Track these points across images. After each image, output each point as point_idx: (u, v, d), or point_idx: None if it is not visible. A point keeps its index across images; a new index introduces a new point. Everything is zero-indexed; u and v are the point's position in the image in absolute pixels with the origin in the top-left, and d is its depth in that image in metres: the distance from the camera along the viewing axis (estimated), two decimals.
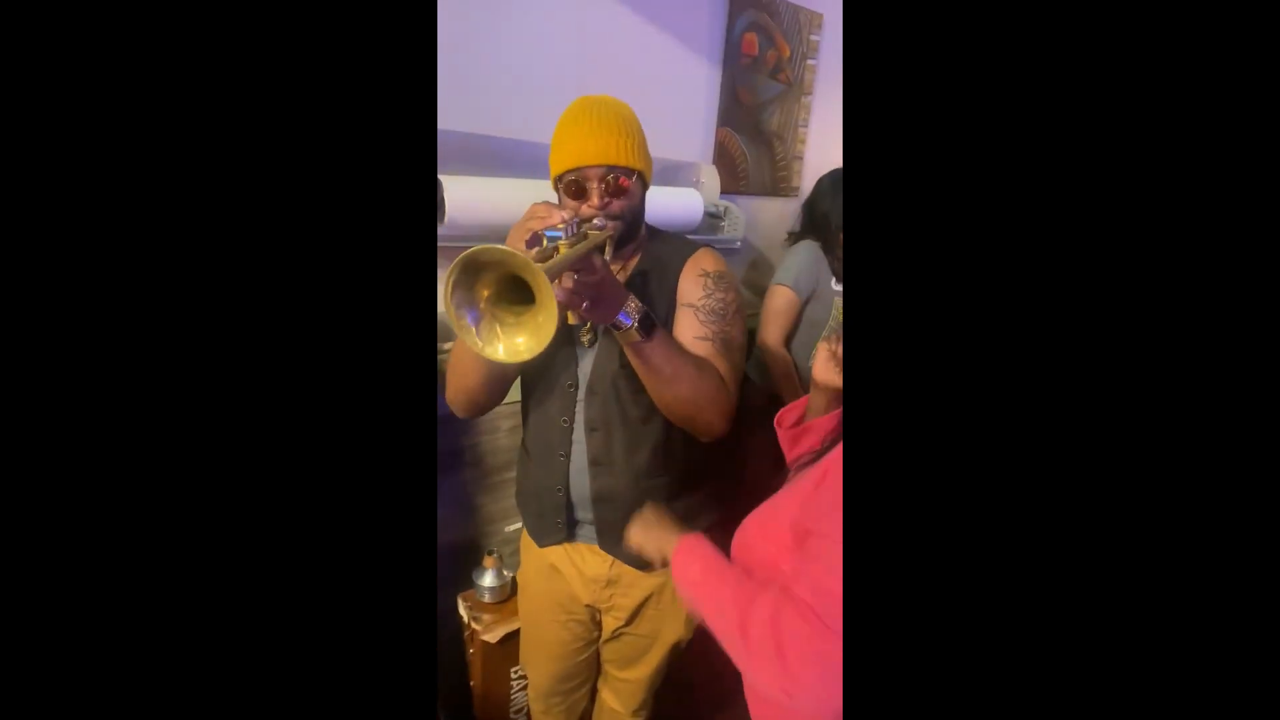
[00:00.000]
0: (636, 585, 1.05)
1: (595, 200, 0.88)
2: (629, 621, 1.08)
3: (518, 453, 1.15)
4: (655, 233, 1.02)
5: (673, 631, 1.09)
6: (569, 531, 1.04)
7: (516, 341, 0.63)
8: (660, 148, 1.55)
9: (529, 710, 1.29)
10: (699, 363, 0.87)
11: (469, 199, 1.21)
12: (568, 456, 0.99)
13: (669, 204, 1.60)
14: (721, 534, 0.81)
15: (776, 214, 2.00)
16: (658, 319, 0.84)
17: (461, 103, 1.30)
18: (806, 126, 2.00)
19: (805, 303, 1.66)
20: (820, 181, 1.72)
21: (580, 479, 1.00)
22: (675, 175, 1.75)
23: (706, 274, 0.94)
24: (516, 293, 0.63)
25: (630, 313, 0.79)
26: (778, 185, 1.99)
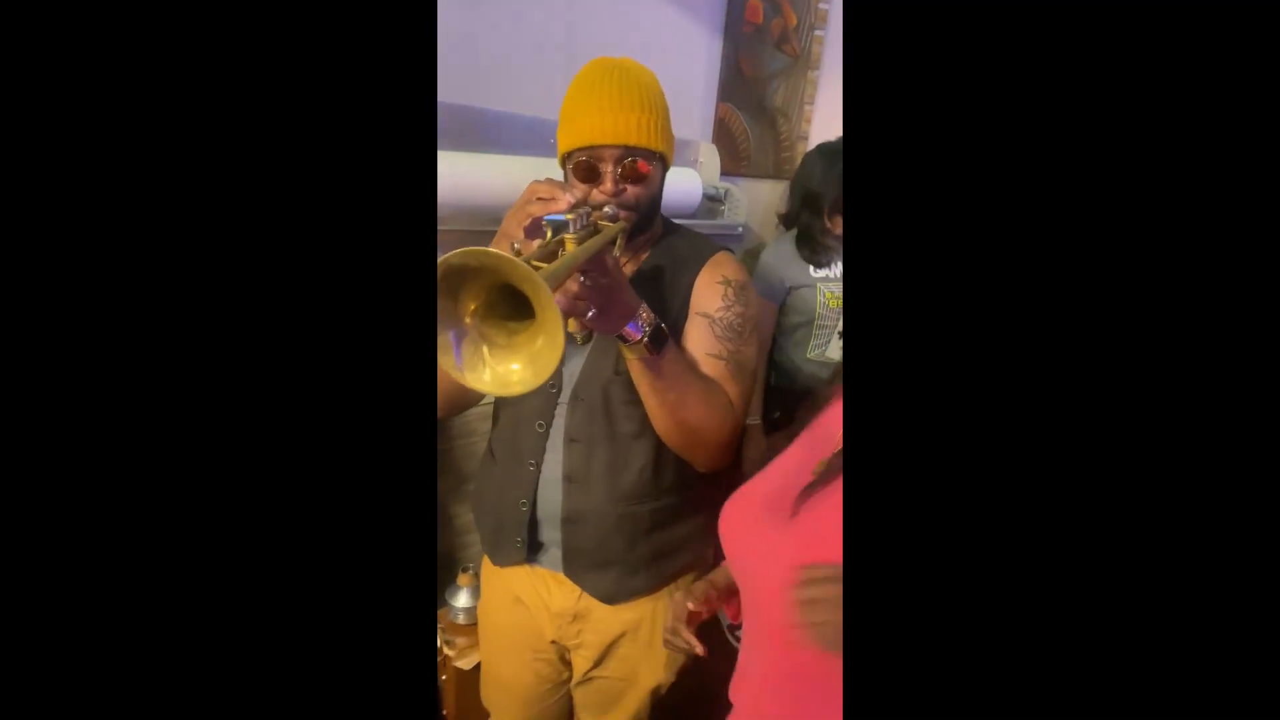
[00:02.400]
0: (606, 621, 0.91)
1: (609, 185, 0.75)
2: (599, 662, 0.94)
3: (483, 455, 1.00)
4: (670, 224, 0.88)
5: (651, 675, 0.94)
6: (529, 553, 0.90)
7: (509, 369, 0.50)
8: None
9: None
10: (708, 386, 0.76)
11: (454, 177, 1.07)
12: (538, 466, 0.86)
13: (669, 188, 1.45)
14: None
15: (780, 198, 1.86)
16: (669, 329, 0.72)
17: (445, 73, 1.15)
18: (813, 104, 1.86)
19: (783, 303, 1.58)
20: (808, 156, 1.57)
21: (550, 494, 0.86)
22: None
23: (727, 282, 0.82)
24: (510, 305, 0.50)
25: (641, 323, 0.67)
26: (781, 167, 1.85)
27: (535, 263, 0.53)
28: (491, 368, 0.50)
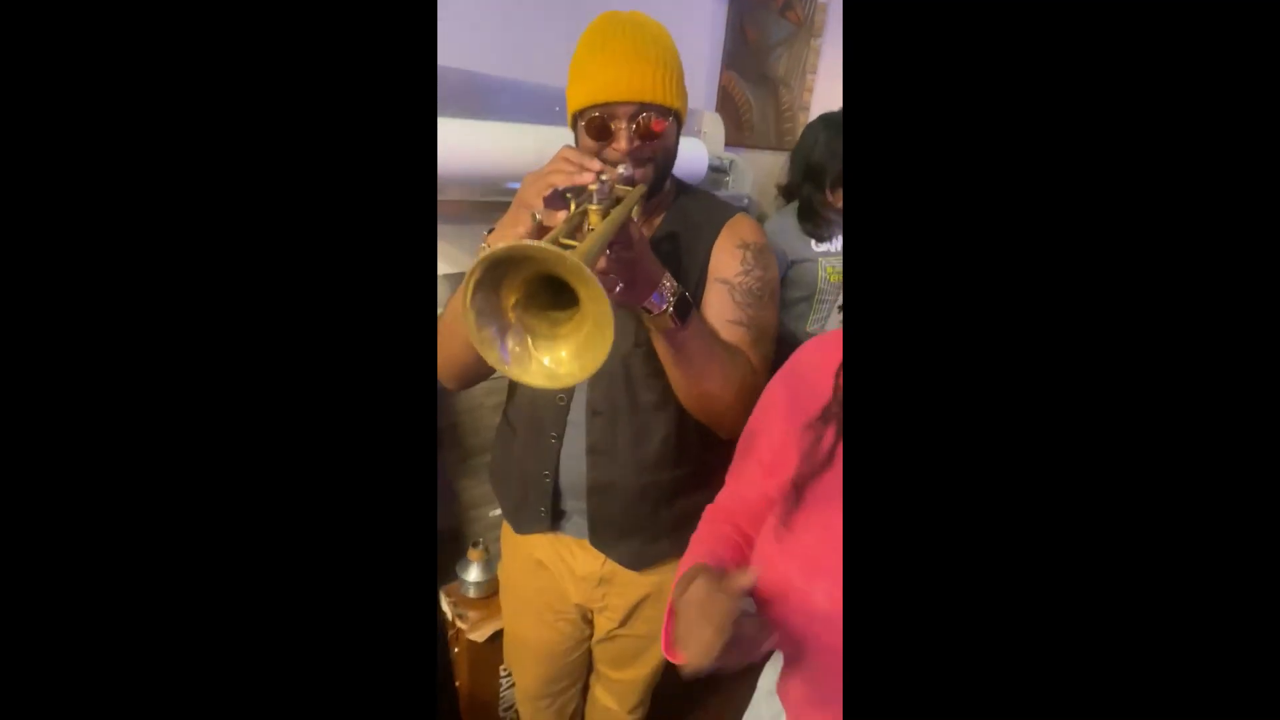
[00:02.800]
0: (632, 585, 0.93)
1: (623, 144, 0.73)
2: (623, 623, 0.97)
3: (499, 427, 1.00)
4: (683, 185, 0.87)
5: None
6: (553, 521, 0.91)
7: (558, 357, 0.49)
8: None
9: (518, 711, 1.19)
10: (732, 353, 0.75)
11: (449, 144, 1.04)
12: (560, 439, 0.86)
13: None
14: None
15: (779, 168, 1.84)
16: (691, 298, 0.71)
17: (439, 35, 1.12)
18: (815, 73, 1.83)
19: (784, 276, 1.55)
20: (810, 127, 1.54)
21: (574, 465, 0.87)
22: None
23: (746, 246, 0.80)
24: (551, 294, 0.49)
25: (666, 294, 0.66)
26: (782, 138, 1.83)
27: (565, 241, 0.51)
28: (538, 360, 0.49)
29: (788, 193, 1.61)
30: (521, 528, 0.95)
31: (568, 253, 0.43)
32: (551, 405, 0.86)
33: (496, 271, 0.46)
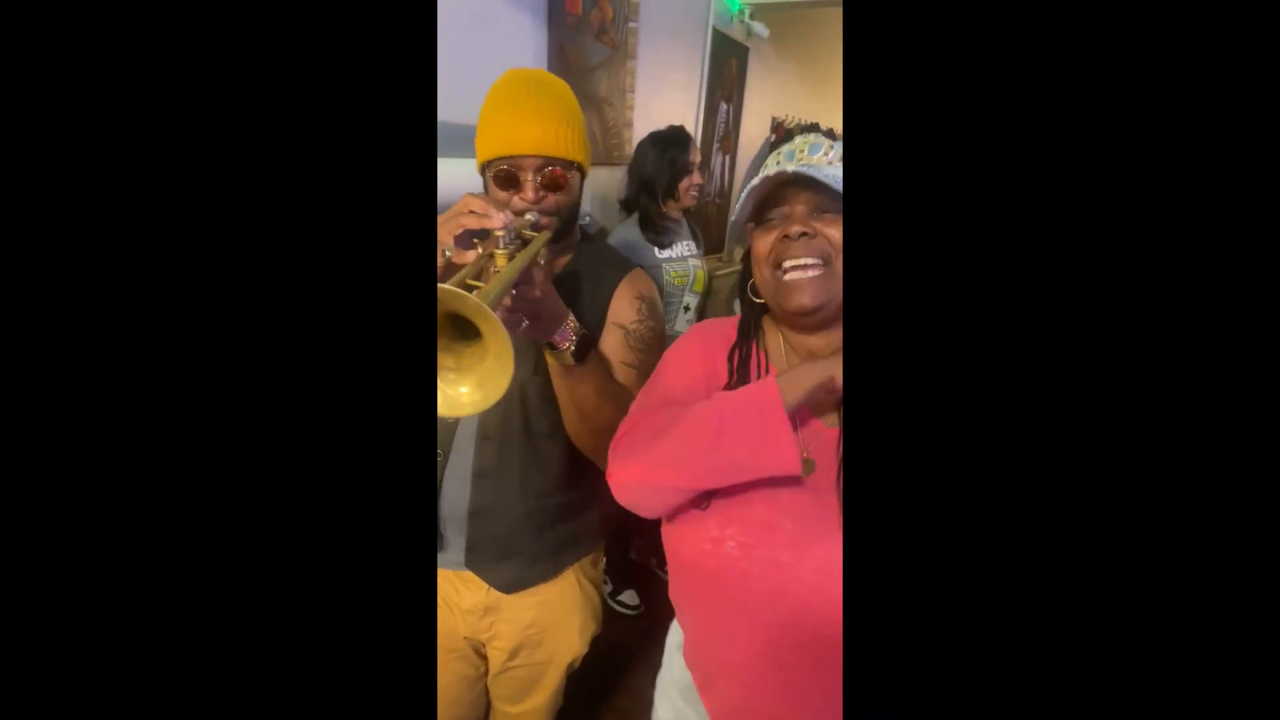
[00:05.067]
0: (518, 609, 0.93)
1: (530, 194, 0.78)
2: (514, 654, 0.96)
3: None
4: (585, 233, 0.92)
5: (567, 650, 0.99)
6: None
7: (459, 392, 0.53)
8: None
9: None
10: (620, 392, 0.81)
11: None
12: (446, 459, 0.87)
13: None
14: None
15: (613, 183, 1.96)
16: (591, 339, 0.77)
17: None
18: (634, 93, 1.96)
19: None
20: (641, 145, 1.76)
21: (456, 489, 0.87)
22: None
23: (643, 298, 0.88)
24: (456, 331, 0.54)
25: (569, 331, 0.72)
26: (611, 153, 1.94)
27: (471, 282, 0.57)
28: (442, 391, 0.53)
29: (628, 206, 1.73)
30: None
31: (470, 294, 0.48)
32: (441, 424, 0.87)
33: None
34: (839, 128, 3.89)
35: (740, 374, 0.70)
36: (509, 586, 0.91)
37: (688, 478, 0.62)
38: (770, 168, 0.66)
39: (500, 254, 0.63)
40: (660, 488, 0.64)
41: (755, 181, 0.66)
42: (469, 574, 0.91)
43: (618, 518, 0.92)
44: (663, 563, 1.98)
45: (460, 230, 0.63)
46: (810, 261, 0.63)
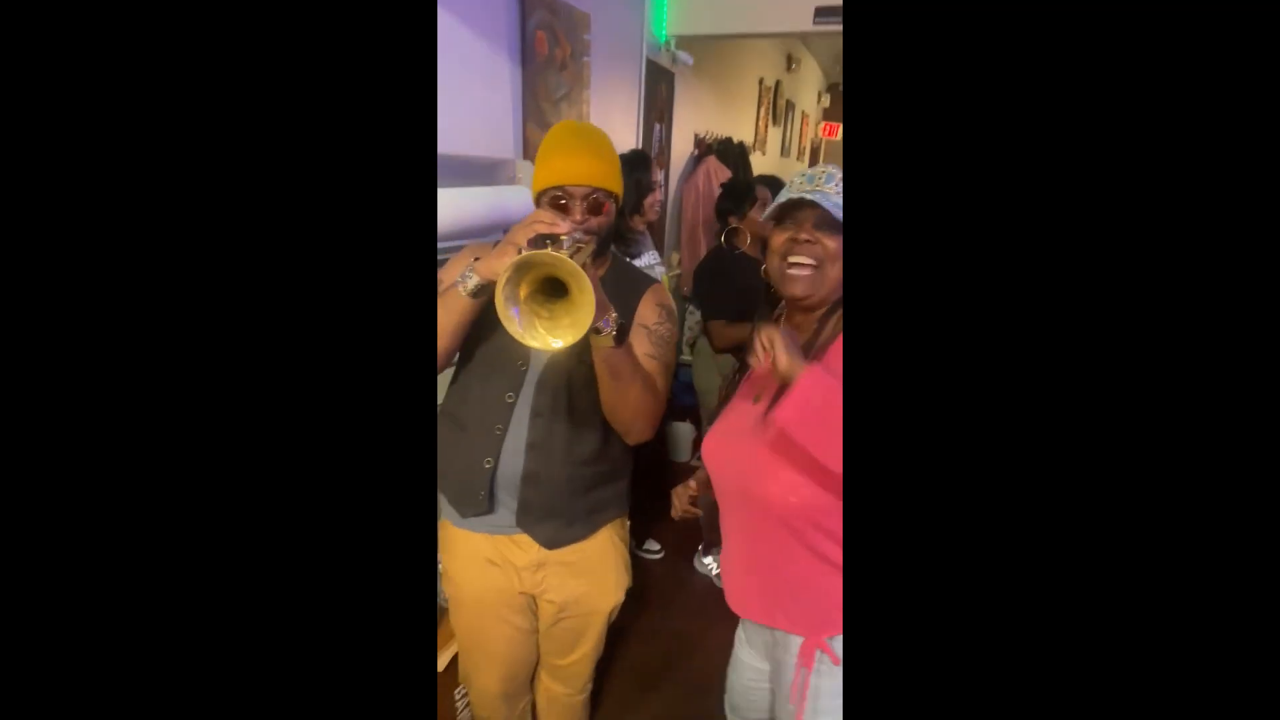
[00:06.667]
0: (565, 563, 1.11)
1: (577, 215, 0.96)
2: (565, 606, 1.14)
3: (439, 431, 1.13)
4: (616, 256, 1.13)
5: (608, 599, 1.16)
6: (490, 504, 1.09)
7: (557, 330, 0.75)
8: (476, 146, 1.59)
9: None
10: (648, 378, 0.98)
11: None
12: (504, 432, 1.04)
13: (500, 203, 1.63)
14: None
15: None
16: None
17: None
18: (590, 119, 2.18)
19: None
20: None
21: (512, 459, 1.05)
22: (493, 173, 1.80)
23: (664, 306, 1.09)
24: (548, 291, 0.75)
25: (611, 320, 0.87)
26: None
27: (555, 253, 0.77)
28: (541, 332, 0.74)
29: None
30: (464, 511, 1.11)
31: (560, 257, 0.70)
32: (500, 403, 1.04)
33: (519, 273, 0.71)
34: (749, 140, 4.28)
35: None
36: (550, 543, 1.09)
37: None
38: (794, 188, 0.89)
39: (564, 252, 0.79)
40: None
41: (782, 197, 0.89)
42: (521, 536, 1.09)
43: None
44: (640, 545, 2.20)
45: (534, 234, 0.81)
46: (808, 262, 0.87)
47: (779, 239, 0.92)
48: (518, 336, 0.72)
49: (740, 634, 1.05)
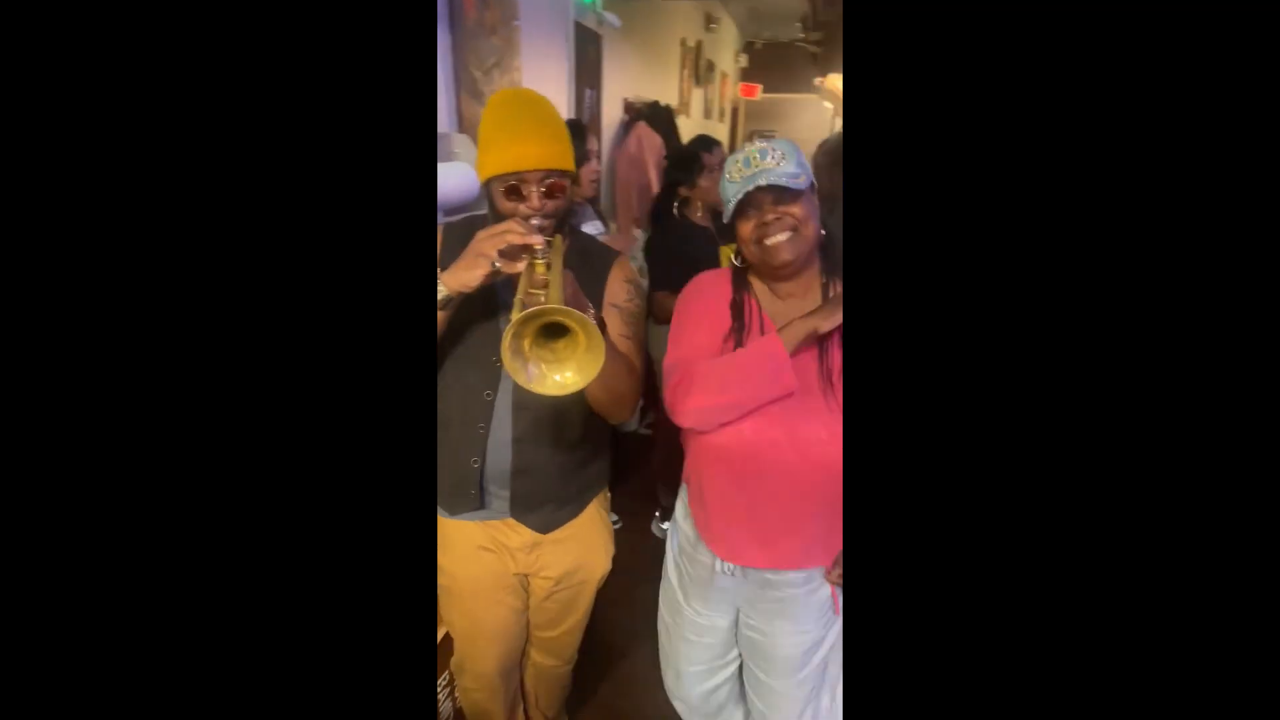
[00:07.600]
0: (560, 541, 1.13)
1: (535, 203, 0.92)
2: (560, 579, 1.16)
3: None
4: (572, 228, 1.09)
5: (598, 569, 1.19)
6: (481, 499, 1.09)
7: (559, 377, 0.74)
8: None
9: (461, 712, 1.29)
10: (625, 360, 0.98)
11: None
12: (487, 429, 1.03)
13: (443, 182, 1.56)
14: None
15: None
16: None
17: None
18: (522, 86, 2.09)
19: None
20: None
21: (499, 454, 1.04)
22: None
23: (630, 281, 1.07)
24: (546, 333, 0.74)
25: (589, 315, 0.89)
26: None
27: (533, 291, 0.77)
28: (550, 378, 0.74)
29: None
30: (455, 509, 1.10)
31: (562, 307, 0.68)
32: (479, 400, 1.03)
33: (524, 326, 0.70)
34: (675, 103, 4.24)
35: (737, 319, 0.99)
36: (545, 528, 1.11)
37: (745, 398, 0.92)
38: (736, 178, 0.91)
39: (539, 263, 0.80)
40: (729, 406, 0.94)
41: (738, 194, 0.91)
42: (510, 520, 1.09)
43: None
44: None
45: (505, 245, 0.80)
46: (785, 234, 0.91)
47: (746, 229, 0.94)
48: (526, 386, 0.72)
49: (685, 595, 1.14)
